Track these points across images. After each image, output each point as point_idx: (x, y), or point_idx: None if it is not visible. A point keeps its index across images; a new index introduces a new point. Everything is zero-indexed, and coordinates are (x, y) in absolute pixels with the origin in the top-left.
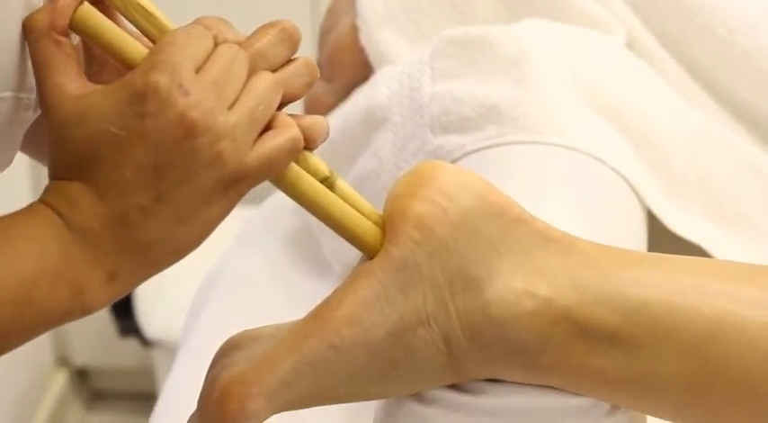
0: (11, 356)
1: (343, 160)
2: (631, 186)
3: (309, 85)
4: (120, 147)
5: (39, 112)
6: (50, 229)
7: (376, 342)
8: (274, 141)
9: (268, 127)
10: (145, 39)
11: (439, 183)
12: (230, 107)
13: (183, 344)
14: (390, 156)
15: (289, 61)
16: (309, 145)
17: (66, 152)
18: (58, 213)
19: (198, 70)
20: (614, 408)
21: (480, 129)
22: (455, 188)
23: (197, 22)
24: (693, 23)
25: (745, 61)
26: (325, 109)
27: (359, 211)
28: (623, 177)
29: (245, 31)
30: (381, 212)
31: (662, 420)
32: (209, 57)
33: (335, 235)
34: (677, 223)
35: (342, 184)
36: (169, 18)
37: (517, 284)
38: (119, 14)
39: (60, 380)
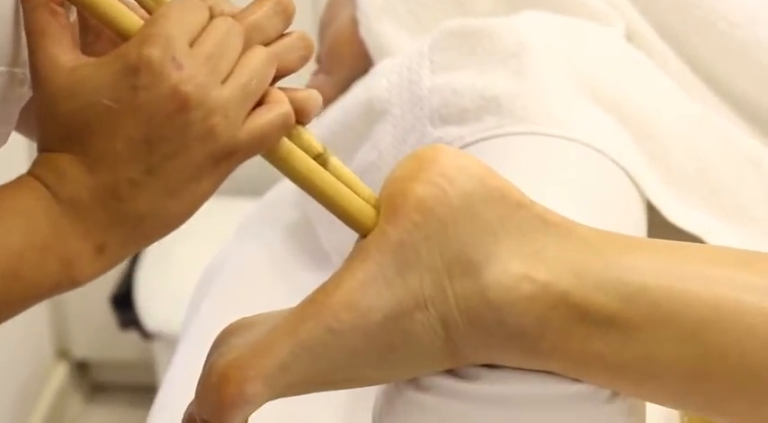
0: (11, 349)
1: (343, 152)
2: (631, 178)
3: (305, 58)
4: (113, 119)
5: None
6: (39, 202)
7: (373, 326)
8: (266, 117)
9: (261, 101)
10: (141, 10)
11: (440, 166)
12: (224, 81)
13: (184, 336)
14: (390, 148)
15: (284, 35)
16: (302, 119)
17: (57, 124)
18: (47, 186)
19: (192, 43)
20: (614, 395)
21: (479, 120)
22: (456, 171)
23: None
24: (693, 16)
25: (745, 54)
26: (325, 101)
27: (352, 189)
28: (623, 169)
29: None
30: (379, 195)
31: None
32: (203, 29)
33: (335, 227)
34: (676, 215)
35: (335, 161)
36: None
37: (516, 268)
38: None
39: (60, 372)
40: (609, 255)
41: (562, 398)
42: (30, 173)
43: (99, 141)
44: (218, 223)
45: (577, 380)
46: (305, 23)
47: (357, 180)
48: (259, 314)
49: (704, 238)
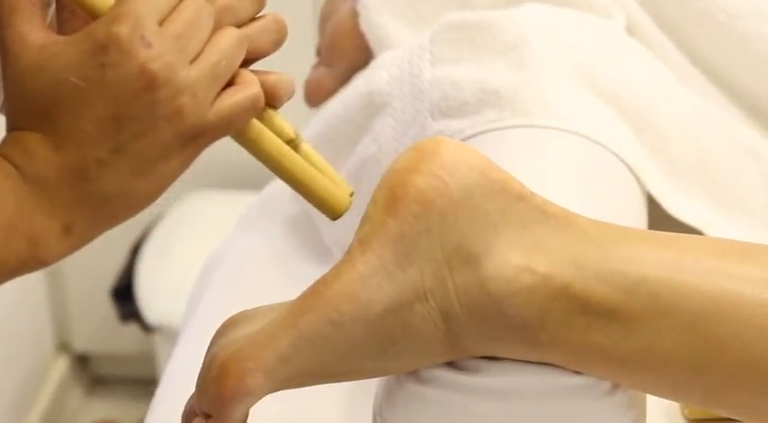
0: (12, 342)
1: (343, 145)
2: (631, 170)
3: (278, 42)
4: (81, 97)
5: None
6: (6, 181)
7: (373, 317)
8: (234, 98)
9: (231, 83)
10: None
11: (441, 158)
12: (192, 61)
13: (184, 329)
14: (391, 141)
15: (258, 18)
16: (273, 103)
17: (25, 102)
18: (15, 165)
19: (162, 23)
20: (614, 387)
21: (479, 113)
22: (456, 163)
23: None
24: (693, 8)
25: (745, 46)
26: (326, 94)
27: (322, 174)
28: (623, 161)
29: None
30: (379, 186)
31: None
32: (174, 9)
33: (335, 223)
34: (677, 207)
35: (306, 147)
36: None
37: (516, 260)
38: None
39: (61, 366)
40: (609, 246)
41: (562, 390)
42: None
43: (67, 119)
44: (218, 216)
45: (578, 372)
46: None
47: (327, 165)
48: (259, 307)
49: (704, 230)
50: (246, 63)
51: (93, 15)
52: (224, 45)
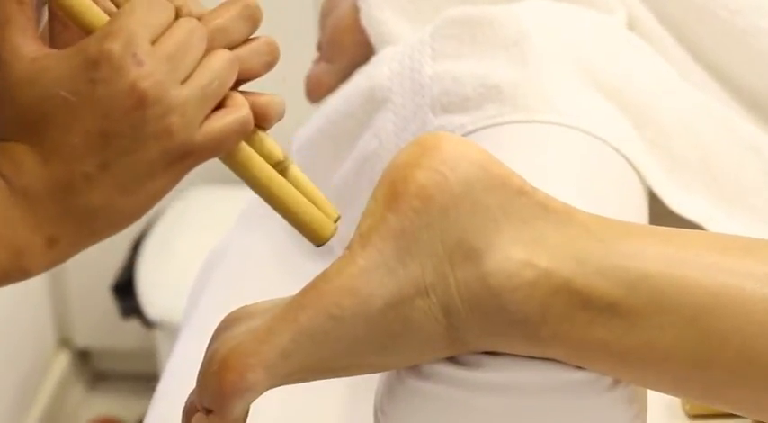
0: (13, 338)
1: (344, 140)
2: (632, 165)
3: (270, 64)
4: (70, 112)
5: None
6: None
7: (374, 312)
8: (223, 120)
9: (221, 105)
10: (110, 5)
11: (442, 153)
12: (183, 81)
13: (185, 325)
14: (391, 136)
15: (250, 39)
16: (263, 124)
17: (15, 114)
18: (2, 175)
19: (155, 41)
20: (615, 382)
21: (480, 108)
22: (457, 158)
23: None
24: (693, 4)
25: (746, 42)
26: (327, 90)
27: (309, 199)
28: (624, 156)
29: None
30: (380, 181)
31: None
32: (167, 28)
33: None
34: (678, 202)
35: (295, 169)
36: None
37: (517, 255)
38: None
39: (62, 361)
40: (610, 241)
41: (564, 385)
42: None
43: (55, 133)
44: (219, 212)
45: (579, 367)
46: (306, 11)
47: (315, 190)
48: (260, 302)
49: (705, 225)
50: (237, 84)
51: (87, 31)
52: (216, 66)
